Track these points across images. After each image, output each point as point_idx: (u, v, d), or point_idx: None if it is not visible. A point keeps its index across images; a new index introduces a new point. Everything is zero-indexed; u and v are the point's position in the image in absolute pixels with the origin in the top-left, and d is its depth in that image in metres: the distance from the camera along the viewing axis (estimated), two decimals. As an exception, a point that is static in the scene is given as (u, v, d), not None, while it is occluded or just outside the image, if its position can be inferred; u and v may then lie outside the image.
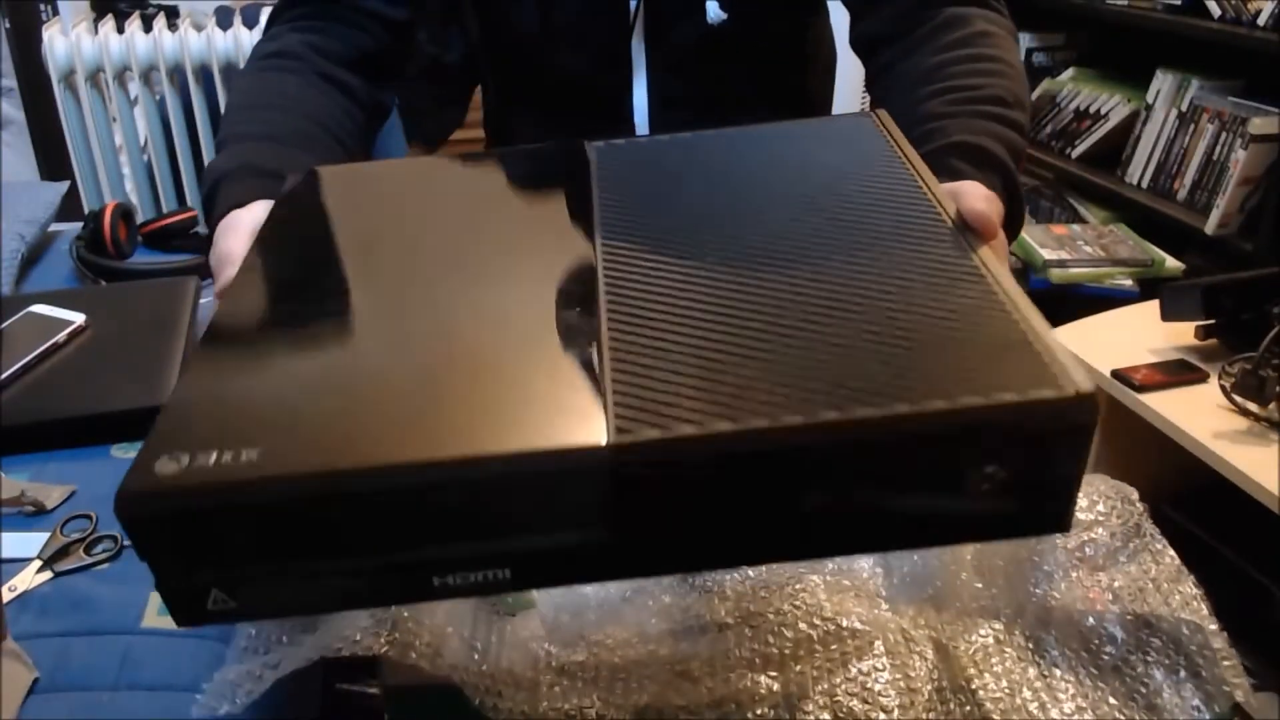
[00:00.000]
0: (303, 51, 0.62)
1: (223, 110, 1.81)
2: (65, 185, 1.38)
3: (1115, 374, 1.26)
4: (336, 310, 0.38)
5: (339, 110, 0.62)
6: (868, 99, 2.42)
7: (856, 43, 0.65)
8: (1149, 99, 1.85)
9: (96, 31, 1.77)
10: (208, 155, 1.87)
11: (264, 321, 0.38)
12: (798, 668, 0.51)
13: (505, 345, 0.35)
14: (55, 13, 1.85)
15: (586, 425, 0.30)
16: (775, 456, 0.29)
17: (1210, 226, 1.66)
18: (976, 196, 0.43)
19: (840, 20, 0.72)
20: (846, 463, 0.30)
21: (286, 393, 0.33)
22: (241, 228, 0.46)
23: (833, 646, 0.53)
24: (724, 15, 0.68)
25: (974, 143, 0.51)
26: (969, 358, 0.31)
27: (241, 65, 1.79)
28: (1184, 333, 1.31)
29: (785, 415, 0.29)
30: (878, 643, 0.53)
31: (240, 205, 0.49)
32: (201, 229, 1.27)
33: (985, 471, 0.30)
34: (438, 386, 0.33)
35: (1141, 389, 1.23)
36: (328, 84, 0.62)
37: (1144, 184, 1.86)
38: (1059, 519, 0.32)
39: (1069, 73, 2.09)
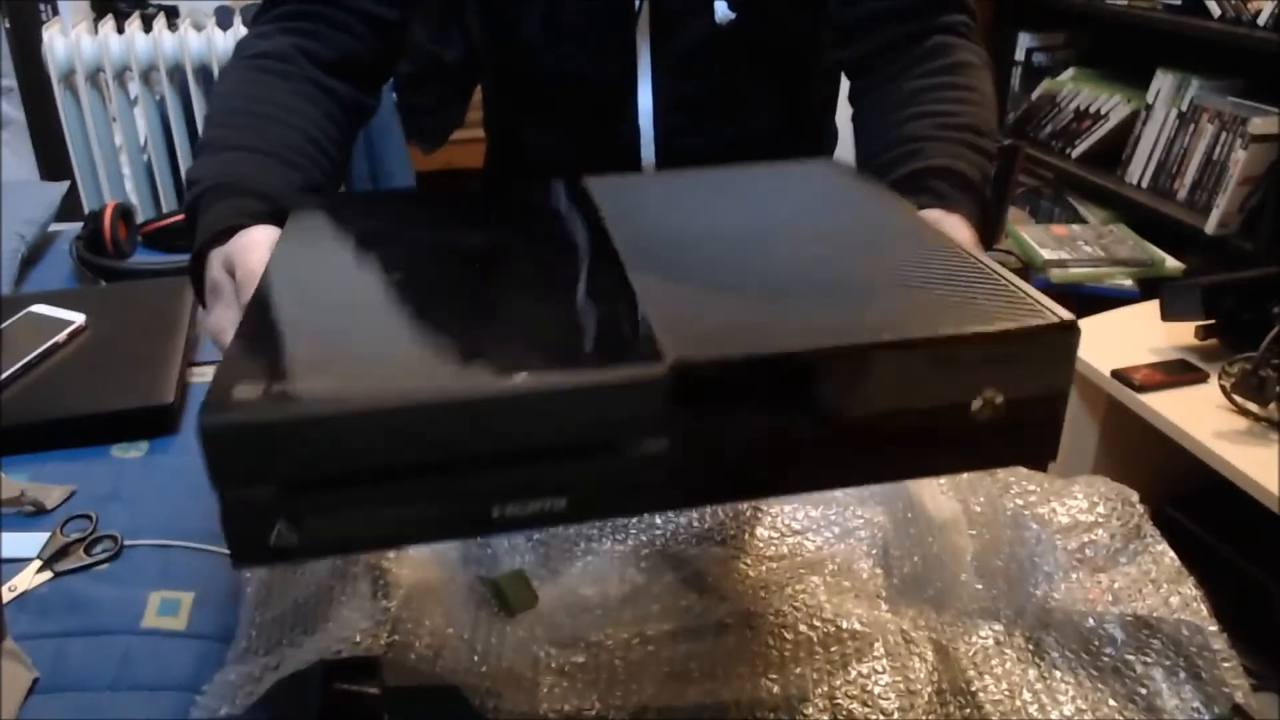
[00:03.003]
0: (292, 54, 0.61)
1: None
2: (65, 185, 1.38)
3: (1115, 374, 1.26)
4: (379, 286, 0.41)
5: (325, 119, 0.61)
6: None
7: (845, 65, 0.67)
8: (1149, 99, 1.85)
9: (96, 31, 1.77)
10: (208, 155, 1.87)
11: (309, 290, 0.41)
12: (797, 669, 0.51)
13: (547, 299, 0.39)
14: (55, 12, 1.85)
15: (640, 354, 0.33)
16: (806, 371, 0.34)
17: (1210, 226, 1.66)
18: (956, 226, 0.48)
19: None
20: (869, 377, 0.35)
21: (346, 334, 0.36)
22: (259, 246, 0.46)
23: (832, 648, 0.53)
24: (732, 15, 0.69)
25: (953, 167, 0.54)
26: (969, 304, 0.37)
27: (241, 65, 1.79)
28: (1184, 333, 1.31)
29: (818, 340, 0.34)
30: (877, 644, 0.53)
31: (231, 225, 0.49)
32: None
33: (985, 394, 0.36)
34: (489, 326, 0.36)
35: (1142, 389, 1.23)
36: (316, 90, 0.61)
37: (1144, 184, 1.86)
38: (1045, 448, 0.37)
39: (1069, 72, 2.09)
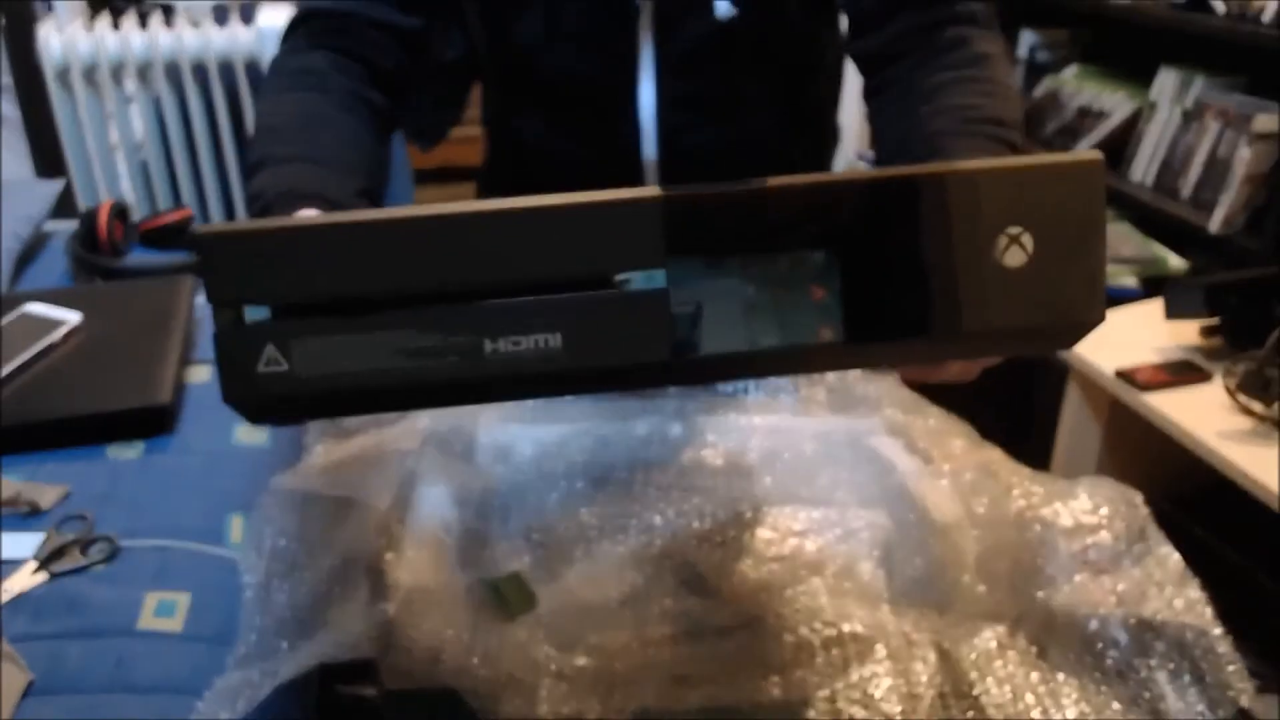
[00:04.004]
0: (326, 69, 0.64)
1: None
2: (61, 183, 1.37)
3: (1119, 374, 1.25)
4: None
5: (364, 128, 0.63)
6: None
7: (857, 57, 0.67)
8: (1152, 97, 1.84)
9: (92, 28, 1.76)
10: (204, 153, 1.86)
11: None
12: (799, 673, 0.51)
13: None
14: (51, 9, 1.84)
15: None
16: (807, 204, 0.32)
17: (1214, 225, 1.66)
18: None
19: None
20: (876, 213, 0.33)
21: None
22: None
23: (834, 651, 0.52)
24: (734, 11, 0.68)
25: None
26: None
27: (238, 63, 1.78)
28: (1188, 332, 1.30)
29: (818, 177, 0.32)
30: (879, 647, 0.52)
31: None
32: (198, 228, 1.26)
33: (1009, 231, 0.34)
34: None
35: (1145, 389, 1.22)
36: (354, 100, 0.63)
37: (1148, 182, 1.85)
38: (1088, 304, 0.35)
39: (1072, 70, 2.08)
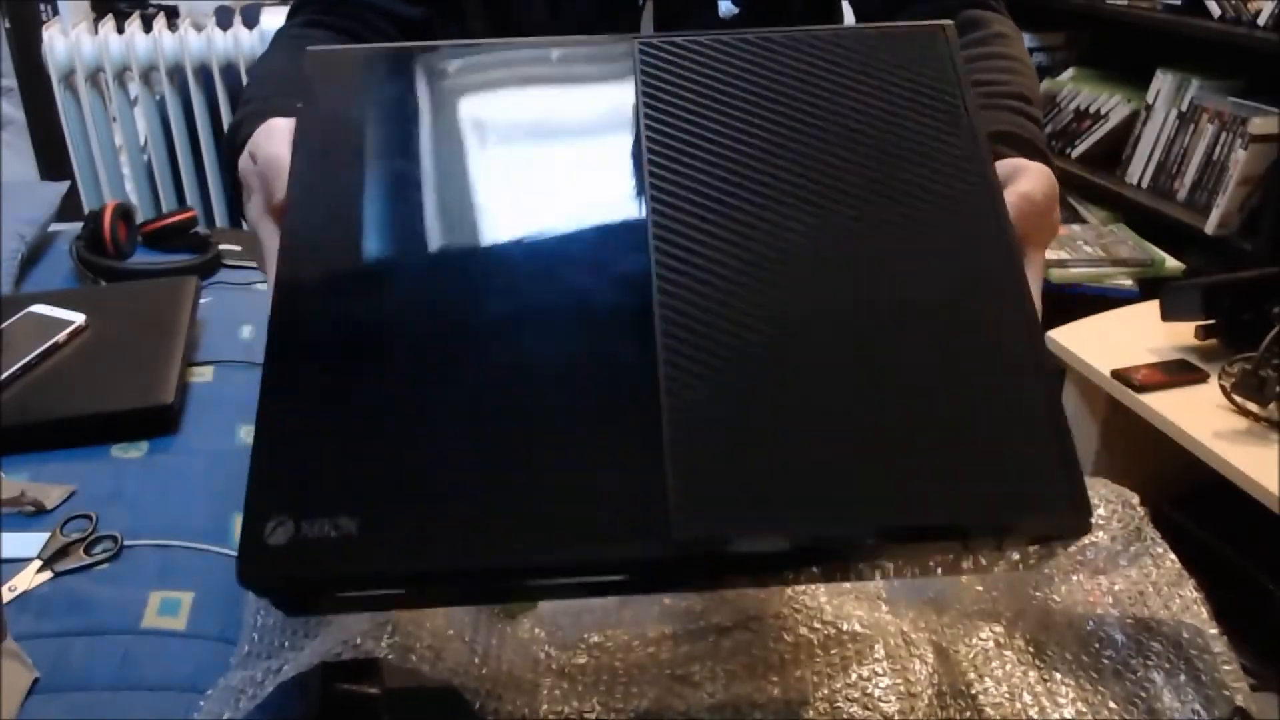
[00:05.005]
0: (325, 39, 0.65)
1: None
2: (65, 185, 1.38)
3: (1115, 374, 1.26)
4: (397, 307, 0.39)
5: None
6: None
7: None
8: (1149, 99, 1.85)
9: (96, 31, 1.77)
10: (208, 155, 1.87)
11: (330, 315, 0.38)
12: (798, 672, 0.51)
13: (559, 408, 0.36)
14: (55, 12, 1.85)
15: (647, 519, 0.34)
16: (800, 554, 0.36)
17: (1210, 226, 1.66)
18: (1037, 175, 0.45)
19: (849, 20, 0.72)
20: (862, 552, 0.37)
21: (369, 445, 0.36)
22: (280, 133, 0.45)
23: (833, 651, 0.53)
24: (736, 9, 0.69)
25: (1014, 132, 0.52)
26: (976, 454, 0.35)
27: (242, 65, 1.79)
28: (1184, 333, 1.31)
29: (818, 524, 0.35)
30: (878, 646, 0.53)
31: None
32: (201, 229, 1.27)
33: (983, 554, 0.37)
34: (504, 452, 0.36)
35: (1141, 389, 1.23)
36: None
37: (1144, 184, 1.86)
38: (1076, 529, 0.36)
39: (1069, 73, 2.09)
